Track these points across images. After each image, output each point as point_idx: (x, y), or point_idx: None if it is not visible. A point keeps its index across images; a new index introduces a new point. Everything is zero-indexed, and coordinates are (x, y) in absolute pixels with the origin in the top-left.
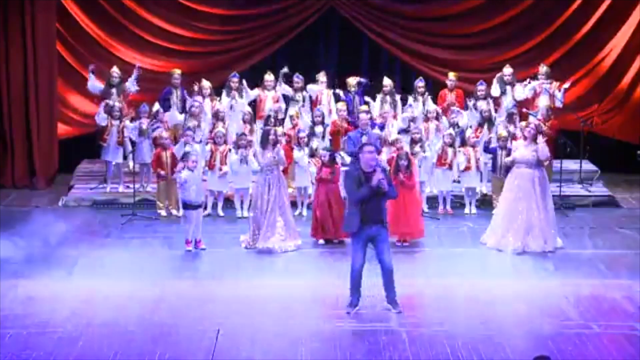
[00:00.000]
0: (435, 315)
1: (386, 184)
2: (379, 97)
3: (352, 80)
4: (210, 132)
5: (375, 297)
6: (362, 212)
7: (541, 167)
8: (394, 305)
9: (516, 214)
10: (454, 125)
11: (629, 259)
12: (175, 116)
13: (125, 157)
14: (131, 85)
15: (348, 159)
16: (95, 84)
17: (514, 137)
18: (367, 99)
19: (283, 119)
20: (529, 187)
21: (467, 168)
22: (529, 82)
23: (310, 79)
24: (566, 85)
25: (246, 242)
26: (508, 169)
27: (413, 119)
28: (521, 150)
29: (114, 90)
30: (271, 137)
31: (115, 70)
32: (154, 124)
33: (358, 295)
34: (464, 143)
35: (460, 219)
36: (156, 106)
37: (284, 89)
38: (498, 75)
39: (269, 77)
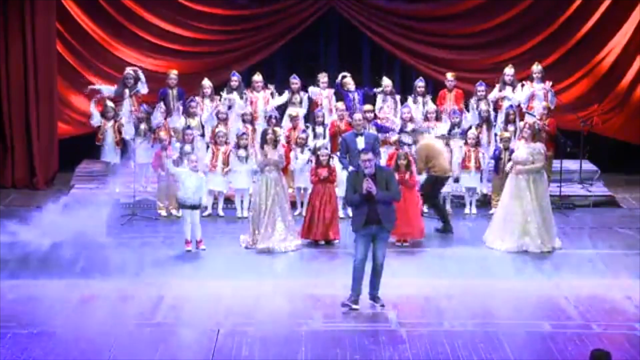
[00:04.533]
0: (435, 315)
1: (374, 190)
2: (379, 97)
3: (350, 80)
4: (212, 132)
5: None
6: (365, 215)
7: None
8: (376, 299)
9: (512, 214)
10: (455, 125)
11: (629, 259)
12: (172, 117)
13: (125, 157)
14: (142, 87)
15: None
16: (109, 87)
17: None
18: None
19: (277, 119)
20: (527, 187)
21: (466, 167)
22: (523, 85)
23: (311, 79)
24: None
25: (246, 242)
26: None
27: (411, 119)
28: (519, 150)
29: (127, 91)
30: (269, 136)
31: (129, 72)
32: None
33: (358, 292)
34: (465, 142)
35: (460, 219)
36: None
37: (279, 99)
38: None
39: (257, 77)
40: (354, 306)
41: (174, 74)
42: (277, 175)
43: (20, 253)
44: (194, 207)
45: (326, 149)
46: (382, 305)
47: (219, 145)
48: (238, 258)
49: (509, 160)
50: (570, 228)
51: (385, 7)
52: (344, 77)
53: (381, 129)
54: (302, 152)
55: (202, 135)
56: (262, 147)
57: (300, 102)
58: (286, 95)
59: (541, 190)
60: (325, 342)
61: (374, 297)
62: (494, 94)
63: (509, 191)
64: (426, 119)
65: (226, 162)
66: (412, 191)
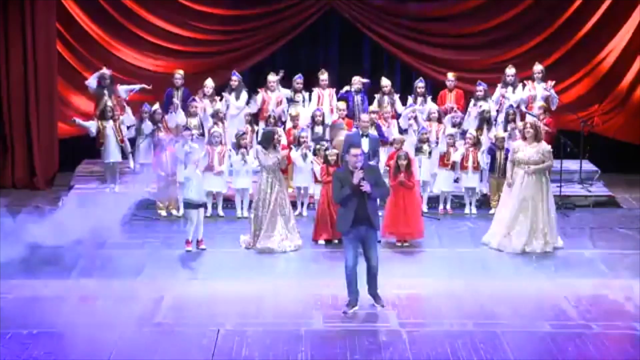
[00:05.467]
0: (435, 315)
1: (367, 185)
2: (377, 97)
3: (357, 78)
4: (209, 132)
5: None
6: (353, 213)
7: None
8: (377, 299)
9: (522, 214)
10: (455, 125)
11: (629, 259)
12: (175, 117)
13: (125, 157)
14: (123, 92)
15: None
16: (93, 82)
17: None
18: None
19: (285, 121)
20: (537, 187)
21: (464, 167)
22: (525, 85)
23: (310, 79)
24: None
25: (246, 242)
26: (506, 169)
27: (415, 118)
28: (524, 150)
29: (105, 91)
30: (276, 136)
31: (105, 72)
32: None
33: (355, 295)
34: (465, 143)
35: (460, 219)
36: (155, 105)
37: (283, 92)
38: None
39: (272, 77)
40: (354, 308)
41: (179, 73)
42: (278, 176)
43: (21, 253)
44: (198, 206)
45: (334, 148)
46: (382, 305)
47: (214, 145)
48: (238, 258)
49: (505, 160)
50: (570, 228)
51: (385, 7)
52: (351, 80)
53: (381, 134)
54: (310, 150)
55: (202, 135)
56: (265, 148)
57: (303, 102)
58: (290, 92)
59: (549, 189)
60: (325, 342)
61: (374, 295)
62: (497, 95)
63: (520, 191)
64: (429, 119)
65: (221, 163)
66: (412, 191)
